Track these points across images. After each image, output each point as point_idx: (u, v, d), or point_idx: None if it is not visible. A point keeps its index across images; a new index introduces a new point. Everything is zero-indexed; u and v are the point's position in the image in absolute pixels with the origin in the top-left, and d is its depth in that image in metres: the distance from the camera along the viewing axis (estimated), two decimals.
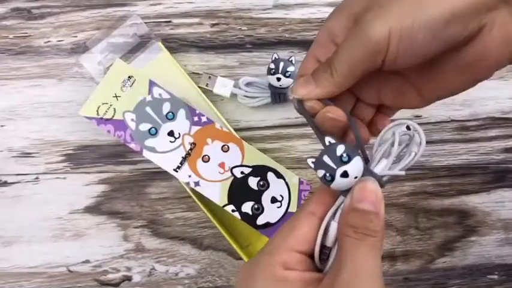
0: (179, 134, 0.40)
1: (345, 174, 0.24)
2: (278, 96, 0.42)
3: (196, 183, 0.40)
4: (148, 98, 0.40)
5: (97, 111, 0.40)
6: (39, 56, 0.44)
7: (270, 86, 0.42)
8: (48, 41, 0.44)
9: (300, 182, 0.41)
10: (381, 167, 0.25)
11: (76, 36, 0.44)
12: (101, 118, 0.40)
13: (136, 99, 0.40)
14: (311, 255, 0.26)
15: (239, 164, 0.41)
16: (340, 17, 0.27)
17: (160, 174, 0.43)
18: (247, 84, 0.43)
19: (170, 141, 0.40)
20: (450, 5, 0.23)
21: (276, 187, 0.41)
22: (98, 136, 0.43)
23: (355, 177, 0.24)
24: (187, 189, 0.41)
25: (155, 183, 0.44)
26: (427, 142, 0.44)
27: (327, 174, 0.24)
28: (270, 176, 0.41)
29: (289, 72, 0.40)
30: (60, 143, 0.43)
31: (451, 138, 0.45)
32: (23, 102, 0.44)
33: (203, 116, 0.41)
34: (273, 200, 0.40)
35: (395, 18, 0.23)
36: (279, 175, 0.41)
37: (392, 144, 0.25)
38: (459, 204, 0.44)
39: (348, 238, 0.24)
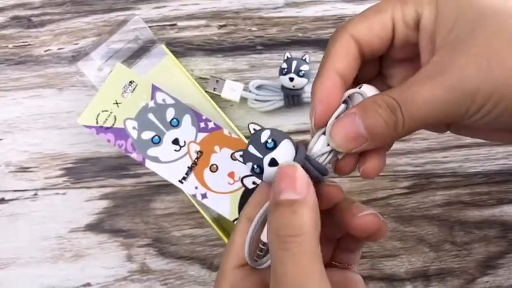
0: (184, 142, 0.37)
1: (273, 162, 0.20)
2: (292, 98, 0.38)
3: (204, 196, 0.37)
4: (151, 103, 0.37)
5: (96, 119, 0.37)
6: (39, 65, 0.41)
7: (283, 88, 0.38)
8: (48, 49, 0.41)
9: None
10: (320, 145, 0.22)
11: (77, 44, 0.41)
12: (101, 127, 0.37)
13: (138, 105, 0.37)
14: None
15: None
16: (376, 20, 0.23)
17: (166, 188, 0.40)
18: (258, 87, 0.39)
19: (175, 150, 0.37)
20: None
21: None
22: (99, 148, 0.40)
23: None
24: (195, 203, 0.38)
25: (160, 197, 0.40)
26: (460, 146, 0.40)
27: (255, 166, 0.21)
28: None
29: (302, 72, 0.37)
30: (59, 156, 0.41)
31: (487, 141, 0.40)
32: (21, 114, 0.41)
33: (210, 121, 0.37)
34: None
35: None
36: None
37: None
38: (500, 215, 0.39)
39: (274, 247, 0.19)
